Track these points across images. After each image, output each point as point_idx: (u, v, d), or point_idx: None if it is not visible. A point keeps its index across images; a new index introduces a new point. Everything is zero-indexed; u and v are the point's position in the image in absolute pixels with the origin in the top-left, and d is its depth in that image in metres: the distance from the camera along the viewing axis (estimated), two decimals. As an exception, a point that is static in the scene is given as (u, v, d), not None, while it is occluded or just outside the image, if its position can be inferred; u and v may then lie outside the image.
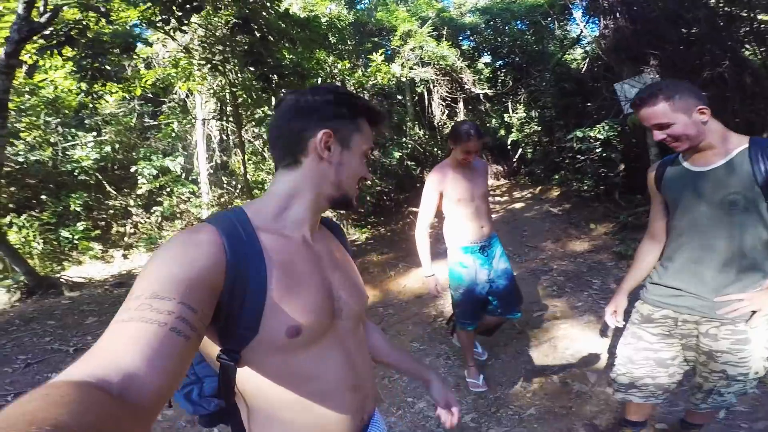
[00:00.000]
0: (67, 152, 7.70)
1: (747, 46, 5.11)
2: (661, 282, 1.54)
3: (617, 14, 5.33)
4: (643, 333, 1.59)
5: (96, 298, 5.40)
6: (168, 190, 8.57)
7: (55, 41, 3.03)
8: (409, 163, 9.17)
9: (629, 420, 1.84)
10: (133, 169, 8.11)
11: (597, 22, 6.51)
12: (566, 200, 8.56)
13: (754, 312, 1.39)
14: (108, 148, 8.00)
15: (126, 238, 8.66)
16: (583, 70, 7.46)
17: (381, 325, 4.09)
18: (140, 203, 8.83)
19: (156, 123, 8.55)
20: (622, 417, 1.90)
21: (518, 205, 9.19)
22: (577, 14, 7.58)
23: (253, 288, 0.70)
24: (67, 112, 6.81)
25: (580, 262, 5.48)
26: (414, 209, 9.07)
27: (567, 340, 3.33)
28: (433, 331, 3.80)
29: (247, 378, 0.73)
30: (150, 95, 7.11)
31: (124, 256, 8.36)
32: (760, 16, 4.66)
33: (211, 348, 0.73)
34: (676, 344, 1.56)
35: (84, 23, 3.19)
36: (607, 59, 6.00)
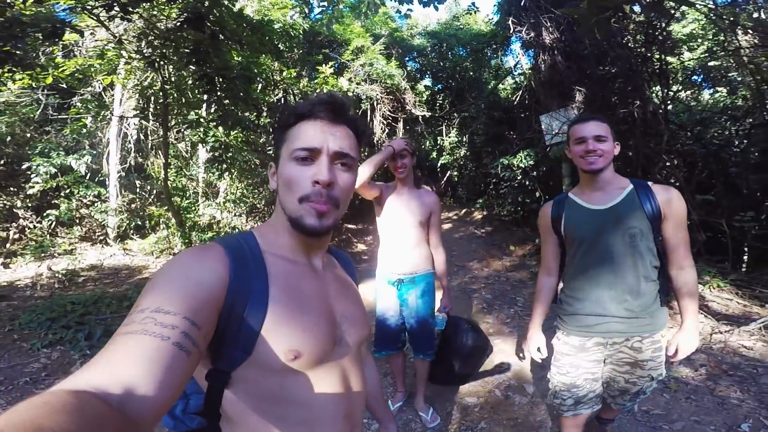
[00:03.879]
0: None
1: (653, 86, 5.87)
2: (581, 312, 1.71)
3: (555, 51, 5.83)
4: (581, 362, 1.74)
5: (-34, 314, 4.53)
6: (67, 191, 7.54)
7: (-35, 20, 2.53)
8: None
9: None
10: (25, 166, 7.01)
11: (531, 55, 7.07)
12: (489, 223, 9.21)
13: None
14: (-5, 140, 6.84)
15: (9, 245, 7.41)
16: (516, 100, 8.05)
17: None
18: (29, 205, 7.65)
19: (63, 116, 7.51)
20: None
21: (446, 226, 9.65)
22: (516, 46, 8.23)
23: (252, 310, 0.69)
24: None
25: (503, 281, 5.91)
26: (351, 226, 9.07)
27: (501, 355, 3.54)
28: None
29: (234, 400, 0.71)
30: (61, 85, 6.24)
31: (5, 265, 7.13)
32: (668, 58, 5.47)
33: (199, 366, 0.70)
34: (602, 360, 1.78)
35: (6, 1, 2.70)
36: (538, 92, 6.56)
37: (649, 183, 1.65)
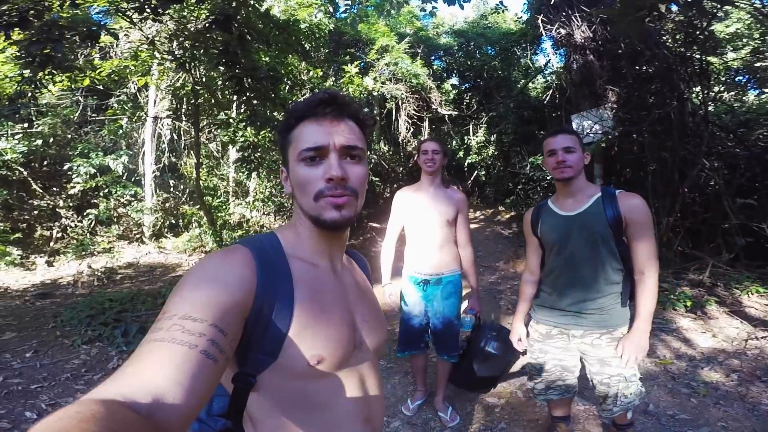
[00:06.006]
0: (-12, 143, 6.83)
1: (692, 87, 5.60)
2: (547, 305, 1.91)
3: (587, 49, 5.65)
4: (548, 348, 1.92)
5: (14, 311, 4.78)
6: (105, 191, 7.90)
7: (5, 22, 2.69)
8: (373, 178, 9.20)
9: (557, 416, 2.13)
10: (66, 167, 7.38)
11: (563, 54, 6.87)
12: (516, 223, 9.02)
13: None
14: (39, 142, 7.22)
15: (52, 243, 7.80)
16: (547, 99, 7.87)
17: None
18: (71, 204, 8.05)
19: (100, 117, 7.88)
20: (551, 416, 2.17)
21: (472, 226, 9.48)
22: (547, 44, 8.05)
23: (279, 314, 0.70)
24: (-1, 100, 6.04)
25: (530, 283, 5.79)
26: (375, 225, 9.10)
27: (523, 356, 3.48)
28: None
29: (259, 403, 0.72)
30: (98, 87, 6.56)
31: (49, 264, 7.49)
32: (709, 58, 5.20)
33: (226, 369, 0.72)
34: (576, 353, 1.89)
35: (45, 4, 2.87)
36: (569, 91, 6.38)
37: (617, 191, 1.76)
